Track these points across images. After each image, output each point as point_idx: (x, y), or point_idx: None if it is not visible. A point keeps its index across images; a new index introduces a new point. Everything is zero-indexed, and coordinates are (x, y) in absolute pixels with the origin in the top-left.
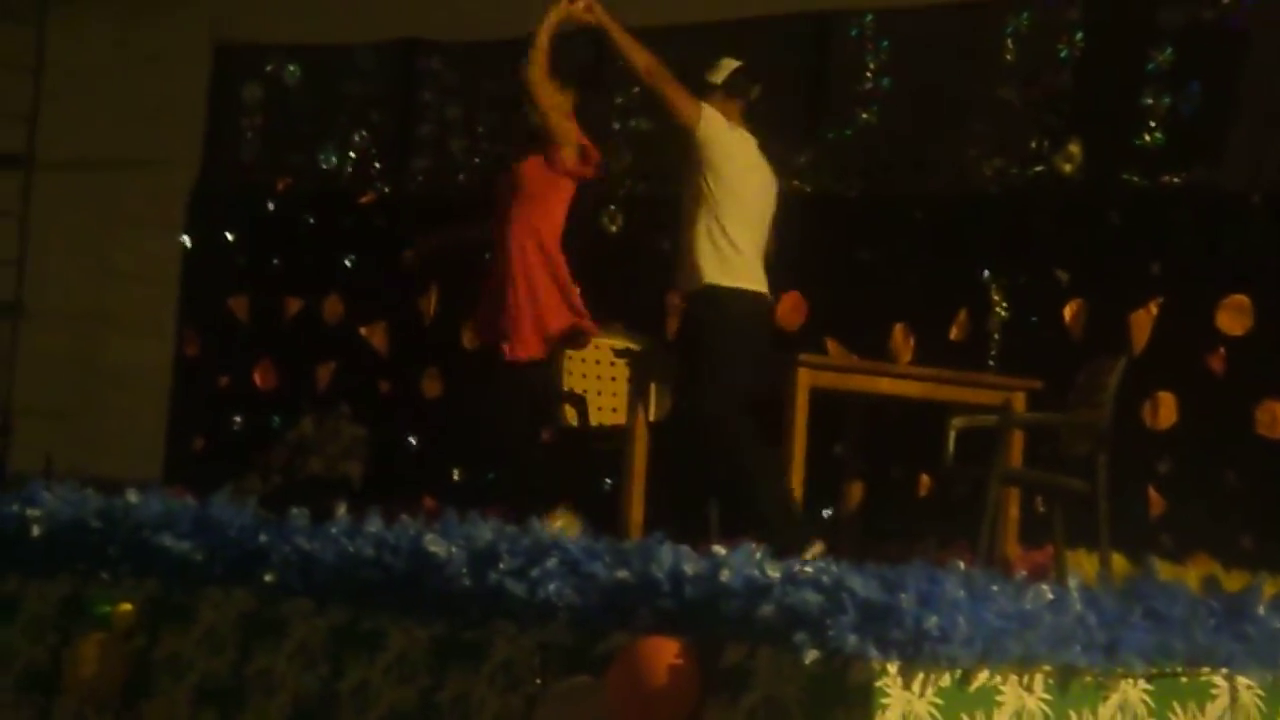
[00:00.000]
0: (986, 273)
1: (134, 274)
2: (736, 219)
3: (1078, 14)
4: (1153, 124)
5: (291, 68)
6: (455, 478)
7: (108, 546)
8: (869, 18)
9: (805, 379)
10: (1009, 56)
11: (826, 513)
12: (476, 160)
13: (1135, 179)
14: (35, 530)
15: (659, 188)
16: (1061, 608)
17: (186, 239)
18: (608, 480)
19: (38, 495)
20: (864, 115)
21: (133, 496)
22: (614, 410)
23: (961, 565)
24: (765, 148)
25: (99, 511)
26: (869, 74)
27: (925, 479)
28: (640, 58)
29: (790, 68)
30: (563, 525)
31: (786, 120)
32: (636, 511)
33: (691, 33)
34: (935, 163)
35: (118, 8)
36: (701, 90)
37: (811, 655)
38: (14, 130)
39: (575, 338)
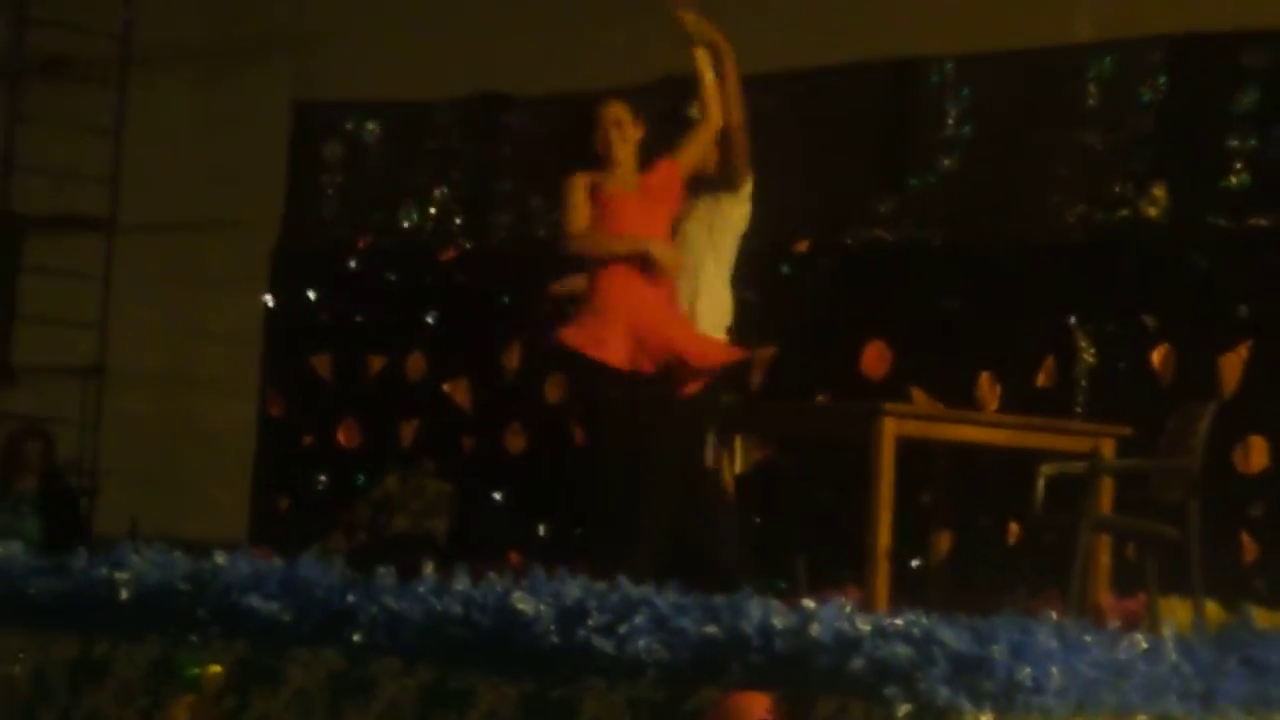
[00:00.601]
0: (1073, 319)
1: (217, 334)
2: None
3: (1160, 57)
4: (1238, 166)
5: (371, 125)
6: (540, 533)
7: (196, 608)
8: (950, 64)
9: (891, 428)
10: (1091, 101)
11: (915, 562)
12: (556, 215)
13: (1221, 221)
14: (124, 593)
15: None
16: (1156, 657)
17: (269, 298)
18: None
19: (126, 558)
20: (946, 162)
21: (220, 558)
22: None
23: (1054, 615)
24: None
25: (187, 574)
26: (951, 121)
27: (1014, 527)
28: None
29: (872, 115)
30: None
31: (869, 168)
32: None
33: (773, 81)
34: (1018, 209)
35: (197, 69)
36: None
37: (903, 709)
38: (96, 193)
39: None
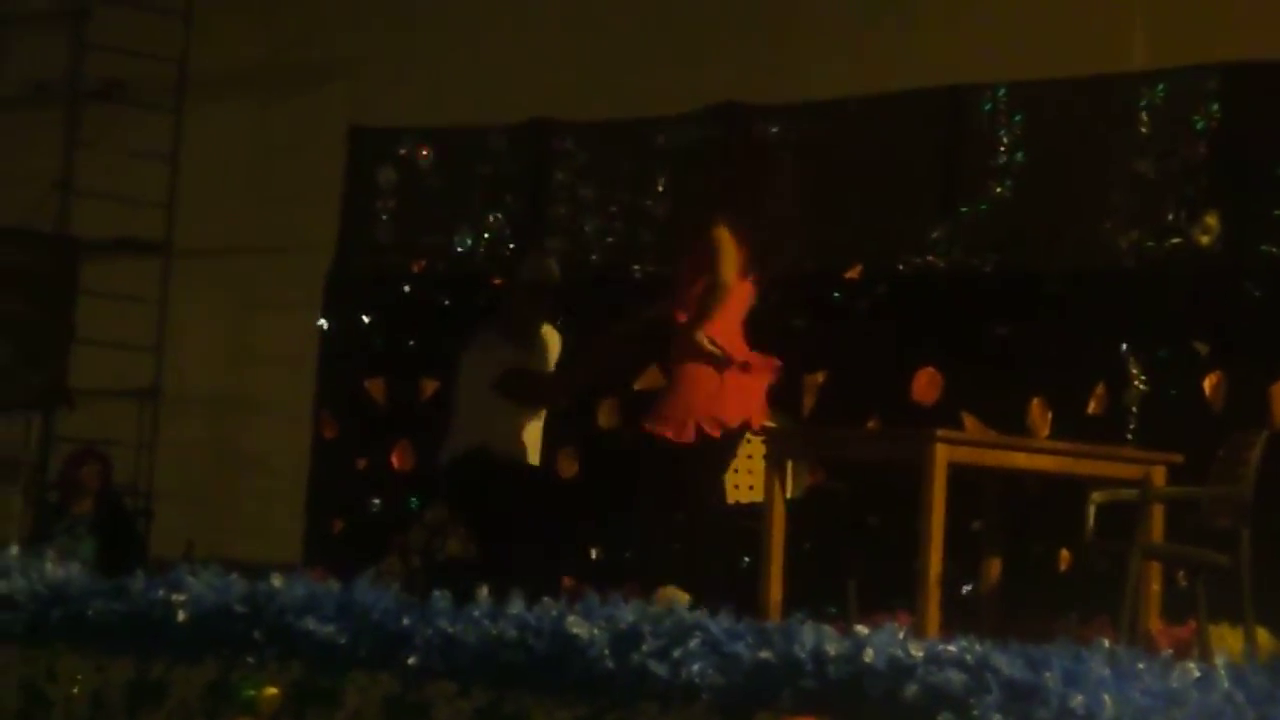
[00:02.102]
0: (1124, 346)
1: (271, 357)
2: None
3: (1214, 85)
4: None
5: (425, 150)
6: (593, 556)
7: (253, 631)
8: (1002, 91)
9: (943, 454)
10: (1144, 129)
11: (966, 589)
12: (609, 240)
13: (1273, 249)
14: (181, 615)
15: (791, 265)
16: (1208, 685)
17: (323, 322)
18: (745, 558)
19: (183, 580)
20: (998, 189)
21: (276, 580)
22: (750, 488)
23: (1106, 642)
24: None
25: (244, 596)
26: (1003, 148)
27: (1065, 554)
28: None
29: (923, 142)
30: (670, 598)
31: (920, 195)
32: (775, 590)
33: (826, 108)
34: (1070, 236)
35: (253, 94)
36: None
37: None
38: (153, 217)
39: None
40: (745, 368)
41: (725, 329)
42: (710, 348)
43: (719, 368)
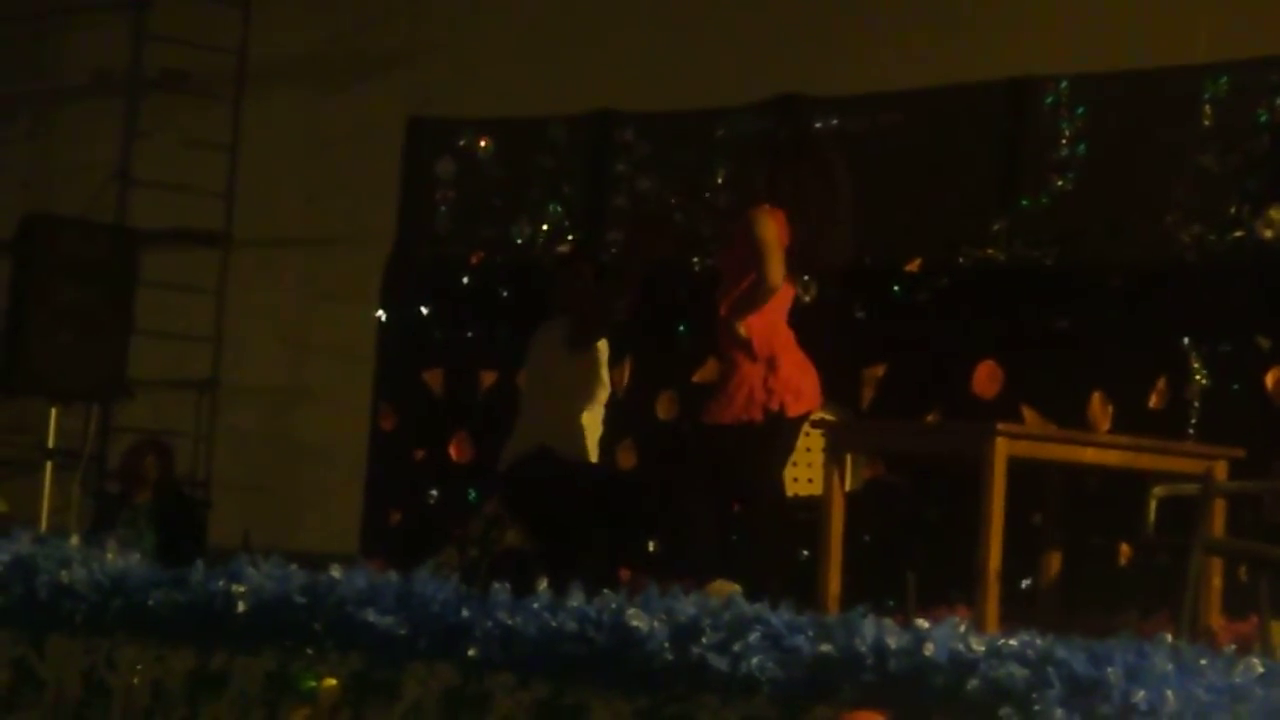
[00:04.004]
0: (1186, 340)
1: (329, 349)
2: None
3: (1278, 77)
4: None
5: (484, 141)
6: (650, 549)
7: (312, 622)
8: (1064, 84)
9: (1003, 448)
10: (1207, 121)
11: (1025, 583)
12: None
13: None
14: (240, 606)
15: (851, 258)
16: (1272, 681)
17: (381, 313)
18: (804, 551)
19: (242, 571)
20: (1059, 182)
21: (336, 571)
22: (809, 481)
23: (1169, 638)
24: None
25: (303, 587)
26: (1064, 140)
27: (1125, 549)
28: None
29: (985, 135)
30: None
31: (981, 188)
32: (834, 583)
33: (887, 101)
34: (1132, 229)
35: (312, 85)
36: None
37: None
38: (211, 208)
39: None
40: (772, 365)
41: (764, 322)
42: (745, 335)
43: (756, 357)
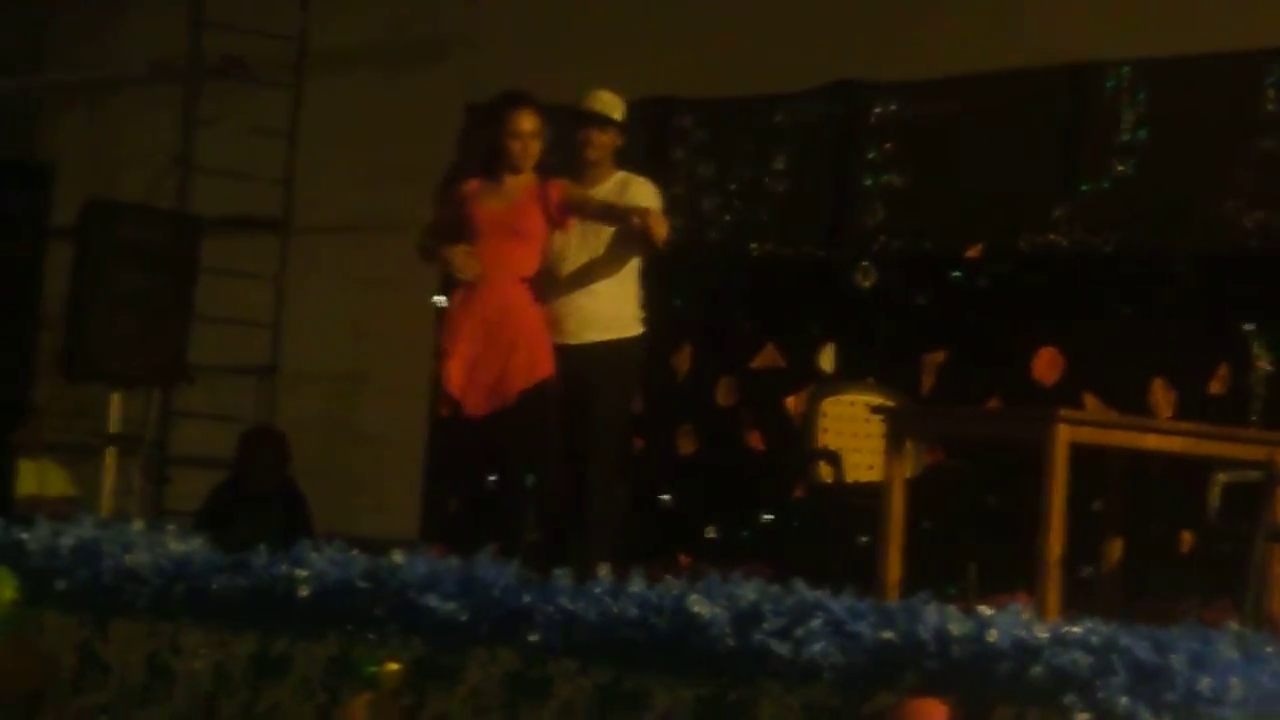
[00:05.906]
0: (1248, 326)
1: (389, 334)
2: None
3: None
4: None
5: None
6: (710, 535)
7: (374, 607)
8: (1126, 69)
9: (1065, 434)
10: (1270, 106)
11: (1086, 570)
12: (727, 218)
13: None
14: (303, 591)
15: (911, 244)
16: None
17: (440, 299)
18: (864, 537)
19: (305, 556)
20: (1120, 168)
21: (398, 557)
22: (869, 467)
23: (1234, 626)
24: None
25: (365, 572)
26: (1126, 126)
27: (1187, 536)
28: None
29: (1047, 120)
30: None
31: (1042, 173)
32: (894, 569)
33: (949, 85)
34: (1194, 215)
35: (371, 71)
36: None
37: (1082, 717)
38: (271, 194)
39: None
40: None
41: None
42: None
43: None
